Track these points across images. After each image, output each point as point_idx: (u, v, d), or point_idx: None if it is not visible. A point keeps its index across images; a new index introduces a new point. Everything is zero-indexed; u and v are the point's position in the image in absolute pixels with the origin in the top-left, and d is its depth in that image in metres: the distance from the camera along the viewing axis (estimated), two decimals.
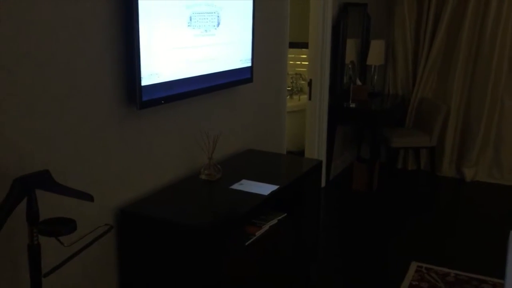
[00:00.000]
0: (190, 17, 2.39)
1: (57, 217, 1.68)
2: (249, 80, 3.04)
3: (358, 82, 5.01)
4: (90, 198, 1.75)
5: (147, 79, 2.17)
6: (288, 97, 5.53)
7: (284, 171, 3.01)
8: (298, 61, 5.94)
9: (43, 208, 1.77)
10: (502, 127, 4.87)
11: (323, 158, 4.61)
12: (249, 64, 3.00)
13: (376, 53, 4.99)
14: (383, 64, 5.23)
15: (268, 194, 2.44)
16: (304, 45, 4.68)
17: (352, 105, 4.59)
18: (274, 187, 2.52)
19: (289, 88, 5.69)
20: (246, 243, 2.32)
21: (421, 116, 5.05)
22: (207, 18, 2.52)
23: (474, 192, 4.75)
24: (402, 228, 3.91)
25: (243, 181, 2.60)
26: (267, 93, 3.51)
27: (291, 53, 5.65)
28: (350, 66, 4.75)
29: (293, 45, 5.30)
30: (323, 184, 4.64)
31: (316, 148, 4.54)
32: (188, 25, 2.39)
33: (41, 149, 1.84)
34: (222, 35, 2.67)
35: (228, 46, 2.76)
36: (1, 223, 1.45)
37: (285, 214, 2.65)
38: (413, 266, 3.25)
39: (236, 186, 2.52)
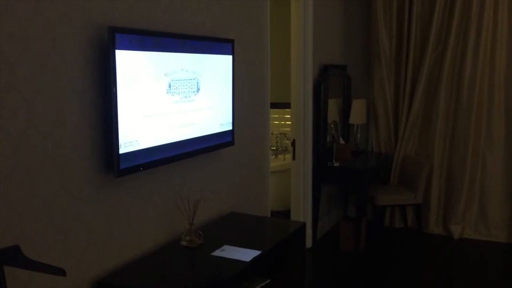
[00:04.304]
0: (169, 84, 2.42)
1: None
2: (231, 143, 3.05)
3: (342, 141, 5.06)
4: (62, 272, 1.69)
5: (125, 146, 2.17)
6: (273, 156, 5.58)
7: (267, 235, 2.96)
8: (283, 121, 6.01)
9: (15, 284, 1.71)
10: (485, 182, 4.88)
11: (309, 217, 4.57)
12: (230, 128, 3.02)
13: (357, 112, 5.08)
14: (366, 123, 5.31)
15: (250, 261, 2.38)
16: (287, 105, 4.74)
17: (336, 164, 4.61)
18: (256, 253, 2.47)
19: (274, 148, 5.73)
20: None
21: (405, 173, 5.07)
22: (187, 85, 2.56)
23: (462, 250, 4.69)
24: None
25: (225, 246, 2.55)
26: (250, 154, 3.51)
27: (275, 113, 5.74)
28: (332, 125, 4.82)
29: (276, 105, 5.40)
30: (310, 244, 4.57)
31: (301, 208, 4.50)
32: (167, 92, 2.42)
33: (12, 222, 1.80)
34: (202, 101, 2.71)
35: (209, 111, 2.79)
36: None
37: (269, 280, 2.59)
38: None
39: (217, 253, 2.47)
